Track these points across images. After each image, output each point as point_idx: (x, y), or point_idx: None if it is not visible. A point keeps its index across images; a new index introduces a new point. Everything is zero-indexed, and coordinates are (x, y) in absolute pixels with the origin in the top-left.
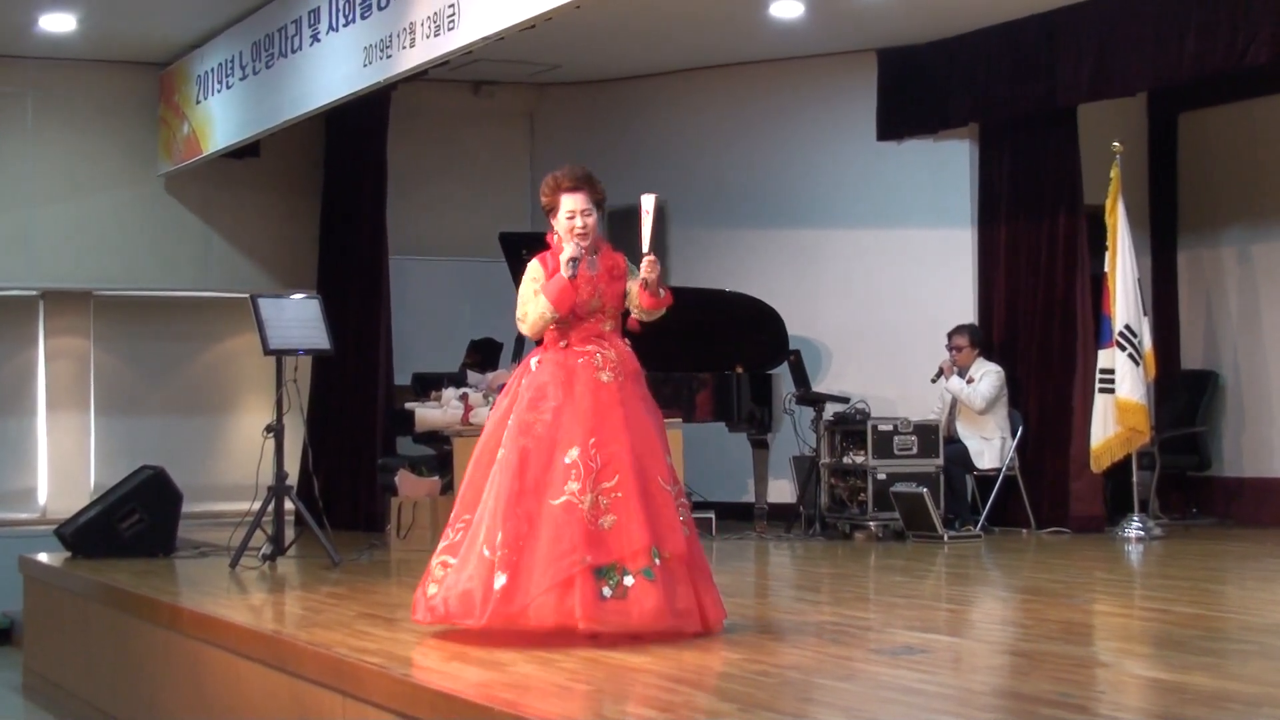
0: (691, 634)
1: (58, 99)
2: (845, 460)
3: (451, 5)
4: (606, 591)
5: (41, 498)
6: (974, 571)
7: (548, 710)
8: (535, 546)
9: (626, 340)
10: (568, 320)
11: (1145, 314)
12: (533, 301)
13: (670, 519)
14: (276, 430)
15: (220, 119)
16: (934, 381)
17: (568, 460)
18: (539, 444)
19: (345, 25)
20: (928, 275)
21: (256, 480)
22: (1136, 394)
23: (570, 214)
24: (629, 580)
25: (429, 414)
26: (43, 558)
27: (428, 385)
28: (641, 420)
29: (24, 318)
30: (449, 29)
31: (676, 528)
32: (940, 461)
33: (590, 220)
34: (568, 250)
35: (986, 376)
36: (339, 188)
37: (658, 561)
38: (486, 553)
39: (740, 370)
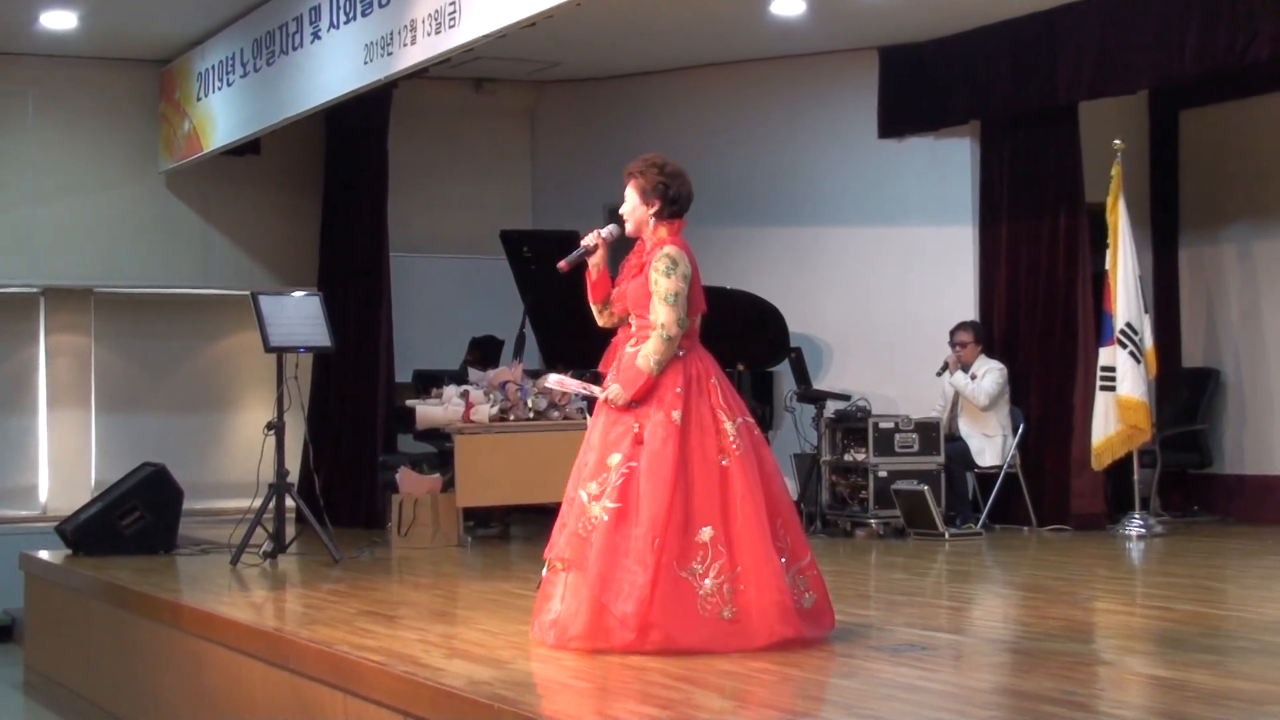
0: (586, 650)
1: (58, 96)
2: (846, 458)
3: (453, 3)
4: None
5: (42, 495)
6: (975, 569)
7: (549, 708)
8: None
9: (636, 342)
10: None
11: (1146, 311)
12: None
13: (571, 526)
14: (277, 427)
15: (221, 116)
16: (939, 375)
17: None
18: None
19: (346, 22)
20: (929, 273)
21: (257, 477)
22: (1138, 391)
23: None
24: None
25: (430, 411)
26: (44, 555)
27: (429, 382)
28: (598, 425)
29: (25, 315)
30: (450, 26)
31: (574, 534)
32: (941, 459)
33: (624, 210)
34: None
35: (990, 373)
36: (340, 185)
37: (544, 573)
38: None
39: (741, 368)
